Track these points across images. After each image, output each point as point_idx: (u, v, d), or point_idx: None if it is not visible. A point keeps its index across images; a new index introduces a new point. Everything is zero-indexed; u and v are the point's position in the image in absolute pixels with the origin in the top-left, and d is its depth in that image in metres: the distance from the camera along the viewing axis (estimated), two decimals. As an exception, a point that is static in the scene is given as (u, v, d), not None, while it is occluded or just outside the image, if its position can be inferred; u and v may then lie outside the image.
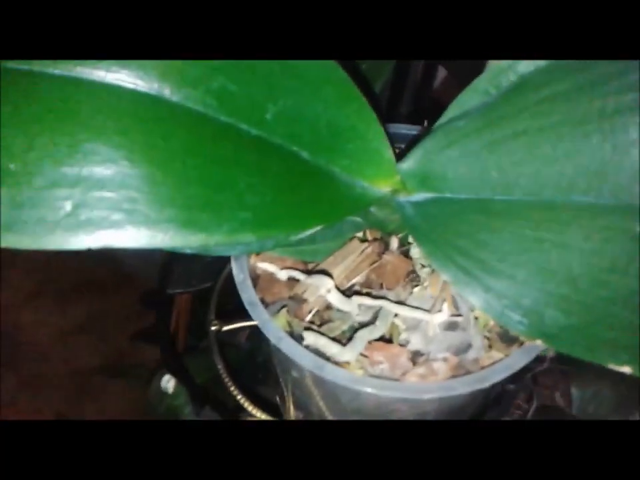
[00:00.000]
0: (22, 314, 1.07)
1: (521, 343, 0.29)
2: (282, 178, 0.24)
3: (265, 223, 0.23)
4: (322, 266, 0.31)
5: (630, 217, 0.23)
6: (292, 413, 0.40)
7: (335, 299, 0.27)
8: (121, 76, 0.21)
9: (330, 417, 0.34)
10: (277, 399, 0.47)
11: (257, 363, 0.74)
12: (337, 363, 0.27)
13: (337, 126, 0.26)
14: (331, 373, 0.26)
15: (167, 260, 0.65)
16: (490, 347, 0.29)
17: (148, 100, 0.21)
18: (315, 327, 0.28)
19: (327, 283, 0.27)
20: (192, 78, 0.22)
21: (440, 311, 0.27)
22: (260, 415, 0.43)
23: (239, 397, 0.45)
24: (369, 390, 0.26)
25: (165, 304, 0.69)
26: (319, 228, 0.24)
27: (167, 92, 0.22)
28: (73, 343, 1.04)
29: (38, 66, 0.21)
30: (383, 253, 0.31)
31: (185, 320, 0.78)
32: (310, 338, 0.26)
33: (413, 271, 0.30)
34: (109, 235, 0.20)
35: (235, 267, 0.30)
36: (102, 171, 0.20)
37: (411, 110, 0.56)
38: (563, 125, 0.24)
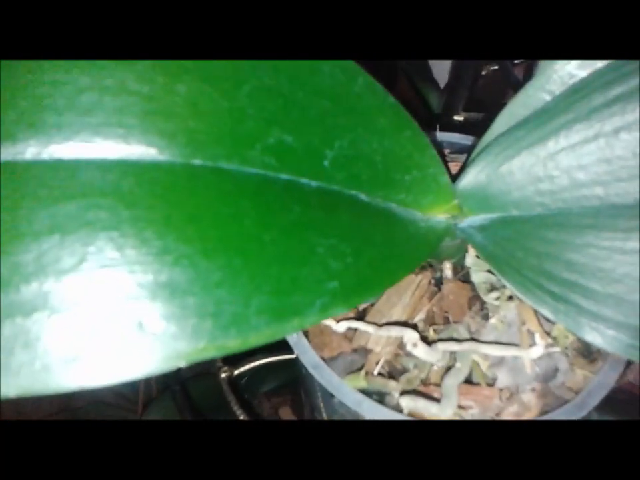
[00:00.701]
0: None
1: (601, 355, 0.27)
2: (352, 231, 0.21)
3: (354, 289, 0.19)
4: (377, 307, 0.28)
5: None
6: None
7: (422, 352, 0.24)
8: (167, 151, 0.17)
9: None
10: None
11: (239, 386, 0.71)
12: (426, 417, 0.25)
13: (393, 158, 0.23)
14: (425, 432, 0.23)
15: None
16: (572, 365, 0.27)
17: (206, 174, 0.17)
18: (394, 383, 0.25)
19: (412, 336, 0.24)
20: (247, 137, 0.18)
21: (533, 344, 0.25)
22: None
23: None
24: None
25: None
26: (399, 279, 0.21)
27: (223, 159, 0.18)
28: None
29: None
30: (439, 283, 0.28)
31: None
32: (410, 404, 0.23)
33: (477, 297, 0.28)
34: (199, 347, 0.16)
35: (284, 327, 0.27)
36: (177, 273, 0.16)
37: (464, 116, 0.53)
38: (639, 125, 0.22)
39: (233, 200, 0.17)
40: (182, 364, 0.16)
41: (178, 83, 0.18)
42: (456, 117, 0.53)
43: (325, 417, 0.34)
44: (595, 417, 0.70)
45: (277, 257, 0.18)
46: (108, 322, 0.15)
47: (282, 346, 0.26)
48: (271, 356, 0.47)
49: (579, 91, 0.24)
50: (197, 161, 0.18)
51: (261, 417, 0.65)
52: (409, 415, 0.24)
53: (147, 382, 0.70)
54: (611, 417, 0.66)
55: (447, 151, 0.35)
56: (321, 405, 0.33)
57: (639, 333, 0.22)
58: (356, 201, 0.22)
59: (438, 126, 0.36)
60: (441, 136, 0.36)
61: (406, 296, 0.28)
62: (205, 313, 0.16)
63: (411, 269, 0.22)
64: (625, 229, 0.23)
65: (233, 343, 0.17)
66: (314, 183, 0.21)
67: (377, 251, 0.21)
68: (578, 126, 0.23)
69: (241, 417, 0.43)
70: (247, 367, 0.47)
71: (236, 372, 0.46)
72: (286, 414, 0.71)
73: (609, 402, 0.70)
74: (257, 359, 0.47)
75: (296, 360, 0.27)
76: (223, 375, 0.46)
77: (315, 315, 0.18)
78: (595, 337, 0.22)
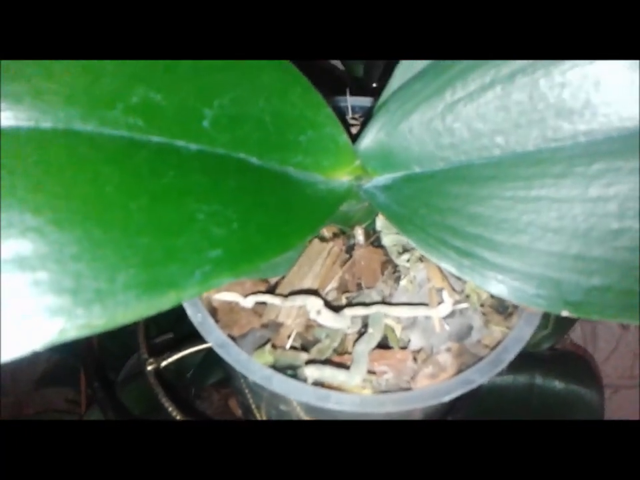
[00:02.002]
0: None
1: (516, 310, 0.27)
2: (241, 195, 0.19)
3: (242, 257, 0.18)
4: (288, 279, 0.26)
5: (630, 153, 0.21)
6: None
7: (327, 318, 0.23)
8: (11, 114, 0.15)
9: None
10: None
11: (187, 380, 0.70)
12: (338, 388, 0.24)
13: (284, 117, 0.22)
14: (338, 402, 0.22)
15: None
16: (487, 322, 0.27)
17: (57, 137, 0.16)
18: (307, 356, 0.24)
19: (316, 303, 0.23)
20: (105, 96, 0.17)
21: (441, 302, 0.24)
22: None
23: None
24: (386, 410, 0.22)
25: (74, 342, 0.62)
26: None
27: (77, 121, 0.16)
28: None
29: None
30: (352, 249, 0.27)
31: (95, 357, 0.71)
32: (315, 373, 0.22)
33: (389, 261, 0.27)
34: (55, 327, 0.14)
35: (188, 308, 0.25)
36: (25, 246, 0.14)
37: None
38: (534, 67, 0.22)
39: (90, 164, 0.16)
40: (37, 348, 0.14)
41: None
42: (375, 84, 0.52)
43: (250, 400, 0.33)
44: (540, 381, 0.71)
45: (147, 226, 0.16)
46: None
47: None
48: (197, 345, 0.45)
49: (472, 38, 0.23)
50: (45, 124, 0.16)
51: (192, 408, 0.64)
52: (318, 384, 0.23)
53: (90, 383, 0.68)
54: (558, 381, 0.68)
55: (357, 115, 0.34)
56: (244, 386, 0.32)
57: (544, 281, 0.22)
58: (246, 165, 0.21)
59: (348, 90, 0.34)
60: (353, 100, 0.35)
61: (317, 265, 0.27)
62: (62, 289, 0.14)
63: (309, 233, 0.21)
64: (526, 177, 0.22)
65: (99, 321, 0.15)
66: (193, 146, 0.19)
67: (269, 216, 0.20)
68: (473, 74, 0.23)
69: (170, 410, 0.42)
70: (173, 357, 0.45)
71: (163, 363, 0.44)
72: (235, 404, 0.70)
73: (554, 365, 0.72)
74: (184, 349, 0.45)
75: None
76: (149, 368, 0.44)
77: (196, 286, 0.17)
78: (501, 289, 0.22)
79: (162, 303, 0.16)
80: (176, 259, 0.16)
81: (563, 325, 0.70)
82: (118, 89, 0.17)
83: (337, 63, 0.70)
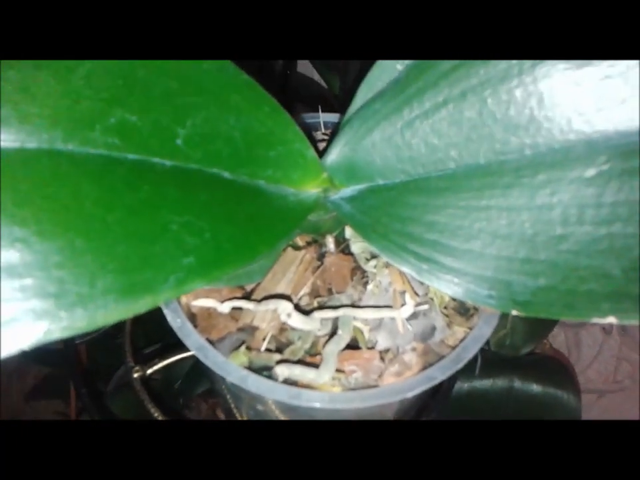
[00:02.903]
0: None
1: (477, 312, 0.28)
2: (213, 207, 0.21)
3: (213, 264, 0.20)
4: (263, 286, 0.28)
5: (571, 164, 0.23)
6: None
7: (298, 321, 0.25)
8: (3, 137, 0.17)
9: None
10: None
11: (175, 391, 0.71)
12: (309, 386, 0.25)
13: (253, 134, 0.23)
14: (309, 400, 0.24)
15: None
16: (450, 323, 0.28)
17: (41, 156, 0.17)
18: (279, 357, 0.26)
19: (286, 307, 0.25)
20: (85, 118, 0.18)
21: (404, 304, 0.26)
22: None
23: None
24: (353, 406, 0.24)
25: (62, 355, 0.63)
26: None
27: (59, 142, 0.18)
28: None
29: None
30: (322, 256, 0.29)
31: (84, 369, 0.72)
32: (285, 372, 0.24)
33: (358, 267, 0.29)
34: (41, 328, 0.16)
35: (168, 313, 0.27)
36: (12, 255, 0.16)
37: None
38: (483, 86, 0.24)
39: (71, 181, 0.17)
40: (25, 347, 0.16)
41: (8, 70, 0.18)
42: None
43: (230, 402, 0.34)
44: (519, 384, 0.73)
45: (123, 236, 0.18)
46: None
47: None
48: (182, 352, 0.46)
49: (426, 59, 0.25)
50: (30, 145, 0.17)
51: (181, 416, 0.65)
52: (291, 384, 0.24)
53: (79, 393, 0.69)
54: (536, 384, 0.69)
55: (329, 131, 0.36)
56: (224, 389, 0.33)
57: (495, 283, 0.23)
58: (218, 179, 0.23)
59: (320, 107, 0.36)
60: (325, 117, 0.37)
61: (290, 272, 0.28)
62: (46, 294, 0.16)
63: (279, 240, 0.22)
64: (478, 188, 0.24)
65: (81, 323, 0.17)
66: (168, 162, 0.21)
67: (239, 225, 0.21)
68: (428, 93, 0.25)
69: (156, 416, 0.43)
70: (159, 365, 0.46)
71: (149, 371, 0.46)
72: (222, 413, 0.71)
73: (532, 369, 0.73)
74: (167, 358, 0.46)
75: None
76: (136, 375, 0.45)
77: (170, 291, 0.18)
78: (457, 291, 0.23)
79: (139, 306, 0.18)
80: (151, 265, 0.18)
81: (540, 330, 0.72)
82: (96, 111, 0.19)
83: (321, 81, 0.73)
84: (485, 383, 0.66)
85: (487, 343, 0.73)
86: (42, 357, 0.75)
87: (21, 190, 0.17)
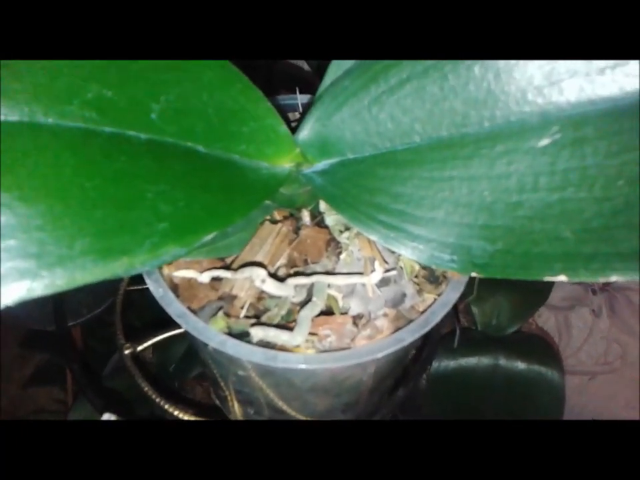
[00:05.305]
0: None
1: (446, 279, 0.30)
2: (187, 178, 0.23)
3: (186, 230, 0.21)
4: (242, 257, 0.30)
5: (526, 134, 0.24)
6: (238, 411, 0.39)
7: (271, 287, 0.26)
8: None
9: (281, 403, 0.33)
10: (217, 401, 0.46)
11: (169, 374, 0.72)
12: (285, 349, 0.27)
13: (226, 110, 0.25)
14: (285, 361, 0.26)
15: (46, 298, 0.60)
16: (421, 290, 0.30)
17: (23, 129, 0.19)
18: (256, 321, 0.27)
19: (260, 273, 0.26)
20: (63, 93, 0.20)
21: (373, 270, 0.28)
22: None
23: (171, 409, 0.44)
24: (327, 366, 0.26)
25: (57, 340, 0.64)
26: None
27: (40, 115, 0.19)
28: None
29: None
30: (299, 229, 0.30)
31: (79, 352, 0.73)
32: (259, 333, 0.25)
33: (333, 239, 0.30)
34: (23, 286, 0.17)
35: (150, 284, 0.28)
36: (-3, 219, 0.17)
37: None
38: (444, 63, 0.25)
39: (50, 151, 0.19)
40: (10, 303, 0.17)
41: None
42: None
43: (214, 370, 0.36)
44: (504, 362, 0.75)
45: (101, 202, 0.19)
46: None
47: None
48: (174, 329, 0.48)
49: (391, 38, 0.26)
50: (12, 118, 0.19)
51: (176, 394, 0.66)
52: (262, 344, 0.26)
53: (76, 380, 0.70)
54: (520, 361, 0.71)
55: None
56: (207, 358, 0.34)
57: (456, 248, 0.25)
58: (193, 152, 0.24)
59: (298, 89, 0.38)
60: (302, 98, 0.38)
61: (267, 244, 0.30)
62: (28, 254, 0.17)
63: (250, 210, 0.24)
64: (441, 159, 0.26)
65: (61, 282, 0.18)
66: (143, 136, 0.22)
67: (212, 195, 0.23)
68: (393, 70, 0.26)
69: (146, 390, 0.44)
70: (149, 342, 0.48)
71: (139, 347, 0.47)
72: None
73: (517, 347, 0.75)
74: (158, 335, 0.48)
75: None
76: (126, 352, 0.47)
77: (145, 254, 0.20)
78: (421, 256, 0.25)
79: (116, 268, 0.19)
80: (127, 230, 0.20)
81: (525, 310, 0.74)
82: (74, 87, 0.20)
83: (304, 64, 0.74)
84: (470, 361, 0.68)
85: (474, 323, 0.75)
86: (38, 343, 0.76)
87: (4, 160, 0.18)
